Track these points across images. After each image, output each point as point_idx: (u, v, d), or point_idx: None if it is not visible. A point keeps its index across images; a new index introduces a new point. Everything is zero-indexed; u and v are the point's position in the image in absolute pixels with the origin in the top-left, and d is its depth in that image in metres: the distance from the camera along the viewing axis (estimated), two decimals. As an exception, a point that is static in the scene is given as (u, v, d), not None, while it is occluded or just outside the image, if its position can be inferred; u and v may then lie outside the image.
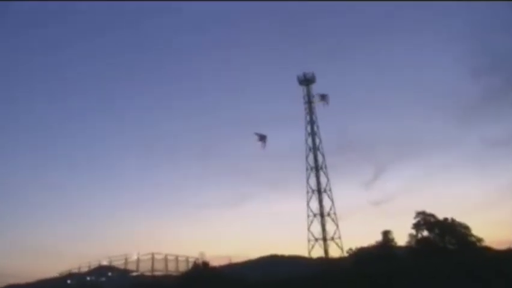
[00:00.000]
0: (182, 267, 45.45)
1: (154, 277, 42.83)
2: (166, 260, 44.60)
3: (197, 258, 45.15)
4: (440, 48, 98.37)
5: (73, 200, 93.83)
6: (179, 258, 45.81)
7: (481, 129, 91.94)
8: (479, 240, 39.74)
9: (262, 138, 49.75)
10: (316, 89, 57.21)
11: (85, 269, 45.58)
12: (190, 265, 45.08)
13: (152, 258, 43.42)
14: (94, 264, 44.78)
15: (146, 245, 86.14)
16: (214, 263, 46.08)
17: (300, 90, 57.30)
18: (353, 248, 46.91)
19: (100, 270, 44.46)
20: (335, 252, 51.95)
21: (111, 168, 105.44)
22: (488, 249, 39.33)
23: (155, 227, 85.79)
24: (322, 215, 53.18)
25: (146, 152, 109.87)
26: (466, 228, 40.12)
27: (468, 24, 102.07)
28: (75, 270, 46.14)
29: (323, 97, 53.64)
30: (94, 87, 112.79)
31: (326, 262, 49.65)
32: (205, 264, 44.09)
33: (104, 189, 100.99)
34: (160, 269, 43.96)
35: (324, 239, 52.00)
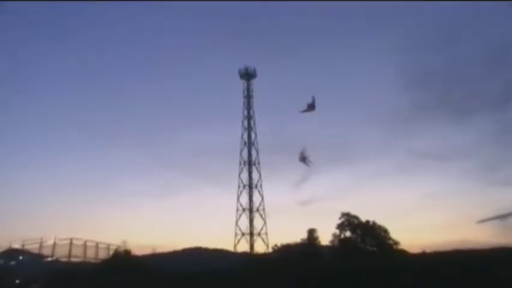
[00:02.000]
0: (103, 255, 45.93)
1: (70, 263, 42.78)
2: (85, 246, 45.09)
3: (119, 246, 45.72)
4: (382, 58, 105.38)
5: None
6: (100, 245, 46.48)
7: (410, 141, 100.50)
8: (396, 243, 43.02)
9: (311, 106, 50.57)
10: (256, 84, 59.41)
11: (-9, 252, 42.96)
12: (111, 253, 45.50)
13: (70, 244, 43.71)
14: (4, 246, 43.65)
15: (67, 230, 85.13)
16: (137, 252, 46.56)
17: (241, 85, 59.37)
18: (279, 244, 48.79)
19: (11, 254, 43.26)
20: (260, 248, 54.49)
21: (41, 147, 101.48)
22: (403, 252, 43.29)
23: (80, 212, 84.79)
24: (251, 210, 55.53)
25: (83, 136, 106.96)
26: (385, 231, 43.27)
27: (410, 37, 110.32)
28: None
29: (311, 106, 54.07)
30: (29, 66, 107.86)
31: (250, 257, 51.48)
32: (127, 253, 44.65)
33: (31, 169, 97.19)
34: (78, 255, 44.35)
35: (251, 234, 54.68)
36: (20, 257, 43.57)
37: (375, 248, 42.71)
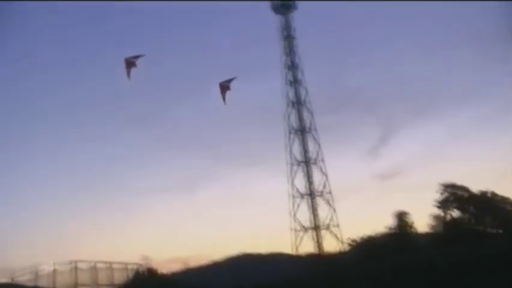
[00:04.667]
0: (120, 278, 41.99)
1: (78, 294, 42.16)
2: (94, 269, 40.62)
3: (139, 265, 42.60)
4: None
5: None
6: (115, 266, 42.35)
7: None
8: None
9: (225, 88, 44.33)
10: (298, 18, 53.99)
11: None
12: (131, 275, 42.12)
13: (75, 269, 39.17)
14: None
15: (64, 251, 79.43)
16: (165, 269, 43.84)
17: (275, 21, 54.24)
18: (357, 237, 45.47)
19: None
20: (331, 246, 50.73)
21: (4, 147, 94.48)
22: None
23: (77, 224, 78.53)
24: (312, 195, 51.49)
25: (59, 124, 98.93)
26: (512, 204, 40.27)
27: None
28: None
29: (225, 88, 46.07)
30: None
31: (318, 259, 48.42)
32: (151, 272, 41.82)
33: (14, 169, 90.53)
34: (86, 283, 39.72)
35: (316, 228, 50.72)
36: (12, 295, 43.17)
37: (499, 231, 38.77)
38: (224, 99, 44.08)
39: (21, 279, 39.08)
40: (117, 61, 44.50)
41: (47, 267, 38.83)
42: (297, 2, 53.79)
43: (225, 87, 44.52)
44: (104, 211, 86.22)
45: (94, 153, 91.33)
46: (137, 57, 41.52)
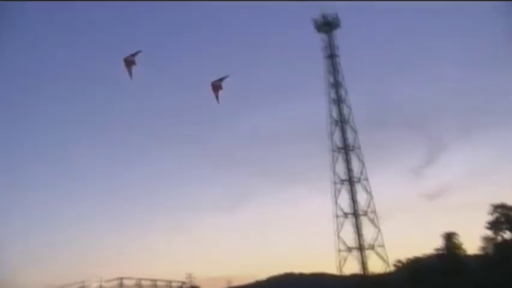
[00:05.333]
0: None
1: (124, 310, 41.57)
2: (139, 286, 42.82)
3: (183, 283, 43.71)
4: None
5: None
6: (159, 283, 43.77)
7: None
8: None
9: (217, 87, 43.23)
10: (341, 36, 53.24)
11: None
12: None
13: (121, 285, 41.72)
14: None
15: (110, 268, 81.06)
16: (208, 287, 45.61)
17: (318, 40, 53.48)
18: (403, 259, 44.66)
19: None
20: (376, 267, 49.51)
21: (50, 160, 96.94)
22: None
23: (122, 242, 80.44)
24: (356, 214, 50.51)
25: (99, 142, 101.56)
26: None
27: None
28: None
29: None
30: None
31: (364, 280, 47.62)
32: None
33: (45, 197, 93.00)
34: None
35: (361, 248, 49.60)
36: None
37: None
38: (217, 98, 43.48)
39: (70, 295, 41.15)
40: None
41: (94, 284, 40.77)
42: (340, 20, 52.83)
43: (217, 86, 43.61)
44: (149, 229, 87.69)
45: (138, 171, 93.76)
46: (135, 54, 41.01)
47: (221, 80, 42.46)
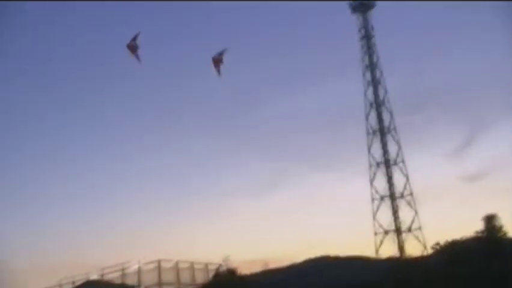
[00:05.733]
0: (201, 278, 43.85)
1: (162, 292, 43.21)
2: (177, 268, 42.78)
3: (220, 265, 43.11)
4: None
5: (48, 199, 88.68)
6: (196, 266, 44.20)
7: None
8: None
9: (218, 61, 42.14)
10: (376, 16, 53.17)
11: (68, 287, 43.23)
12: (211, 274, 43.54)
13: (159, 268, 41.46)
14: (80, 279, 42.46)
15: (149, 251, 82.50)
16: (244, 270, 43.62)
17: (353, 21, 53.64)
18: (441, 242, 43.71)
19: (90, 287, 42.03)
20: (413, 249, 49.61)
21: (89, 151, 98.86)
22: None
23: (161, 226, 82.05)
24: (393, 197, 50.76)
25: (140, 127, 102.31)
26: None
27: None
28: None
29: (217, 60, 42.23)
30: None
31: (401, 263, 46.97)
32: (232, 272, 42.04)
33: (87, 181, 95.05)
34: (169, 281, 42.07)
35: (398, 231, 49.97)
36: (102, 290, 44.43)
37: None
38: (219, 72, 42.42)
39: (110, 276, 41.46)
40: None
41: (133, 266, 40.98)
42: (375, 1, 53.00)
43: (218, 60, 42.72)
44: (188, 212, 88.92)
45: (178, 157, 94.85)
46: (135, 38, 40.33)
47: (221, 54, 41.86)
